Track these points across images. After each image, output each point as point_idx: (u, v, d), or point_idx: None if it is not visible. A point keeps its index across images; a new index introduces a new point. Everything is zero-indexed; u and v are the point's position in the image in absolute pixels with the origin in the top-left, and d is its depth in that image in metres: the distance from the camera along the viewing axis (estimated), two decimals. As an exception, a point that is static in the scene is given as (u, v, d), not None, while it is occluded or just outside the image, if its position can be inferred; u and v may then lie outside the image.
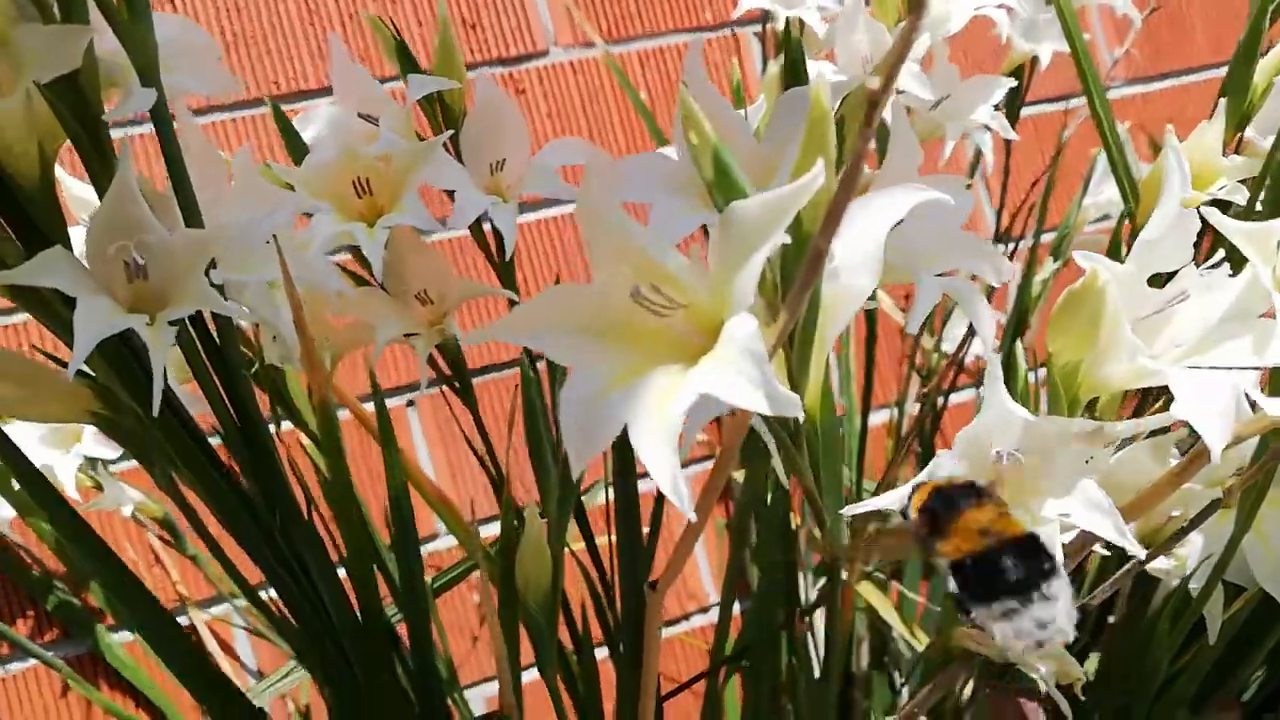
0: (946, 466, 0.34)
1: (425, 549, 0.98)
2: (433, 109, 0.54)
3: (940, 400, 0.79)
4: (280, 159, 0.54)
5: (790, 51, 0.43)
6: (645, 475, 0.32)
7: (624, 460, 0.55)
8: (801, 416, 0.30)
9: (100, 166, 0.38)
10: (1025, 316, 0.72)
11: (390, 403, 1.00)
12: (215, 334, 0.43)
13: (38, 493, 0.42)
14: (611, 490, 0.56)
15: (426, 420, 1.03)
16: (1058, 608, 0.28)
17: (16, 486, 0.64)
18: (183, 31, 0.41)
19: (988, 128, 0.69)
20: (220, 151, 0.46)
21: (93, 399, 0.43)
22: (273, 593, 0.50)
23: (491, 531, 0.99)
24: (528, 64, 1.07)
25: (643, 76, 1.10)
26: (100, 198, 0.38)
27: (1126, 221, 0.56)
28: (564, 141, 0.55)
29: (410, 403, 1.03)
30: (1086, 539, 0.35)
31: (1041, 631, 0.28)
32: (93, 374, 0.43)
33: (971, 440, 0.34)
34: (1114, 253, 0.54)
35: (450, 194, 0.53)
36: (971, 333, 0.69)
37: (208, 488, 0.46)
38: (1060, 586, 0.29)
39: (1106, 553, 0.42)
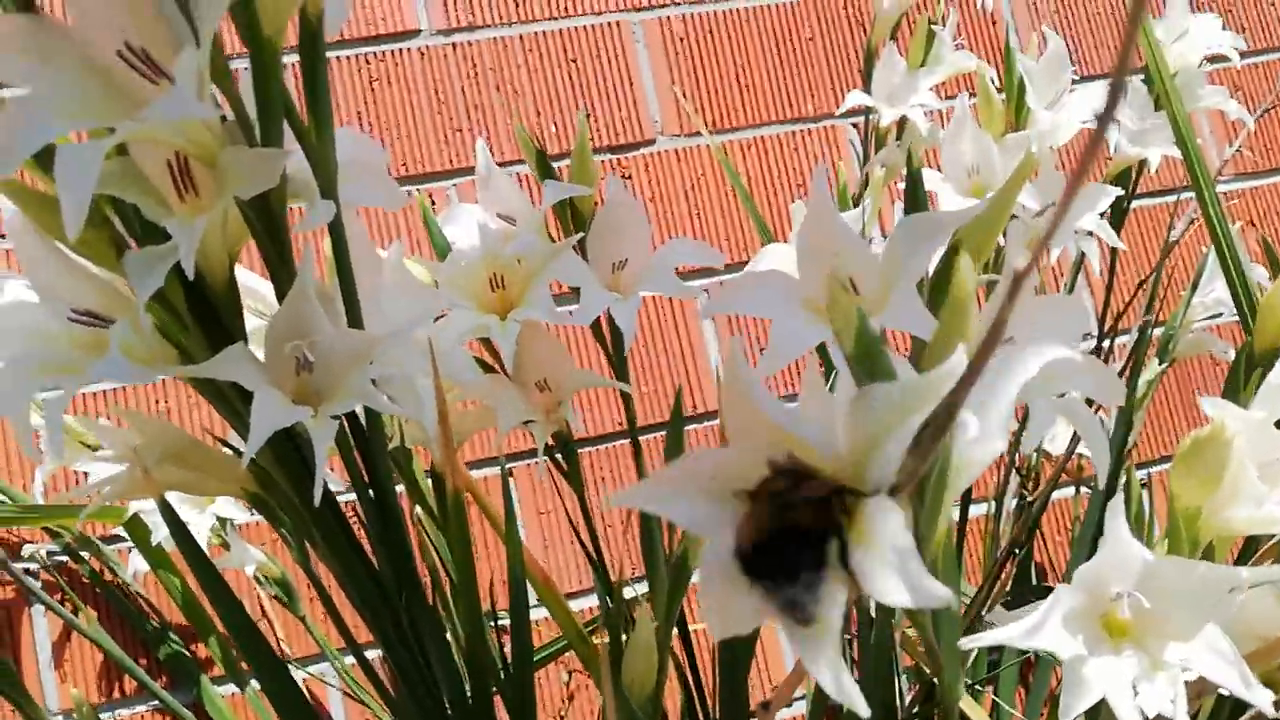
0: (1066, 602, 0.34)
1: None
2: (564, 208, 0.57)
3: (1039, 499, 0.79)
4: (405, 228, 0.58)
5: (911, 172, 0.46)
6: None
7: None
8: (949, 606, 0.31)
9: (282, 270, 0.41)
10: (1130, 418, 0.72)
11: (485, 472, 1.03)
12: (363, 419, 0.47)
13: (187, 550, 0.45)
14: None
15: (523, 489, 1.06)
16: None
17: (154, 543, 0.69)
18: (358, 147, 0.45)
19: (1091, 234, 0.70)
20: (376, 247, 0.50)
21: (251, 479, 0.47)
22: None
23: (581, 605, 1.01)
24: (635, 151, 1.12)
25: (743, 164, 1.14)
26: (279, 298, 0.42)
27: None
28: (681, 242, 0.58)
29: (504, 473, 1.06)
30: (1208, 684, 0.35)
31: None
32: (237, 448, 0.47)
33: (1090, 577, 0.35)
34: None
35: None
36: (1076, 438, 0.70)
37: (344, 563, 0.49)
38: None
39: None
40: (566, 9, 1.14)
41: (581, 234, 0.56)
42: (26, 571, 0.97)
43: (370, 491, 0.48)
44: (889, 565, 0.25)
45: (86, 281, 0.39)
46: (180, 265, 0.37)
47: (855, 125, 1.16)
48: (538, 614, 1.03)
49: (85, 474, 0.86)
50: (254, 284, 0.53)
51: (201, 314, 0.41)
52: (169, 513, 0.41)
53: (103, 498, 0.45)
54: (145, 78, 0.37)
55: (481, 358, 0.61)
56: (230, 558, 0.73)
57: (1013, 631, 0.37)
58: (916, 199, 0.45)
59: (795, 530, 0.28)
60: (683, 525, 0.29)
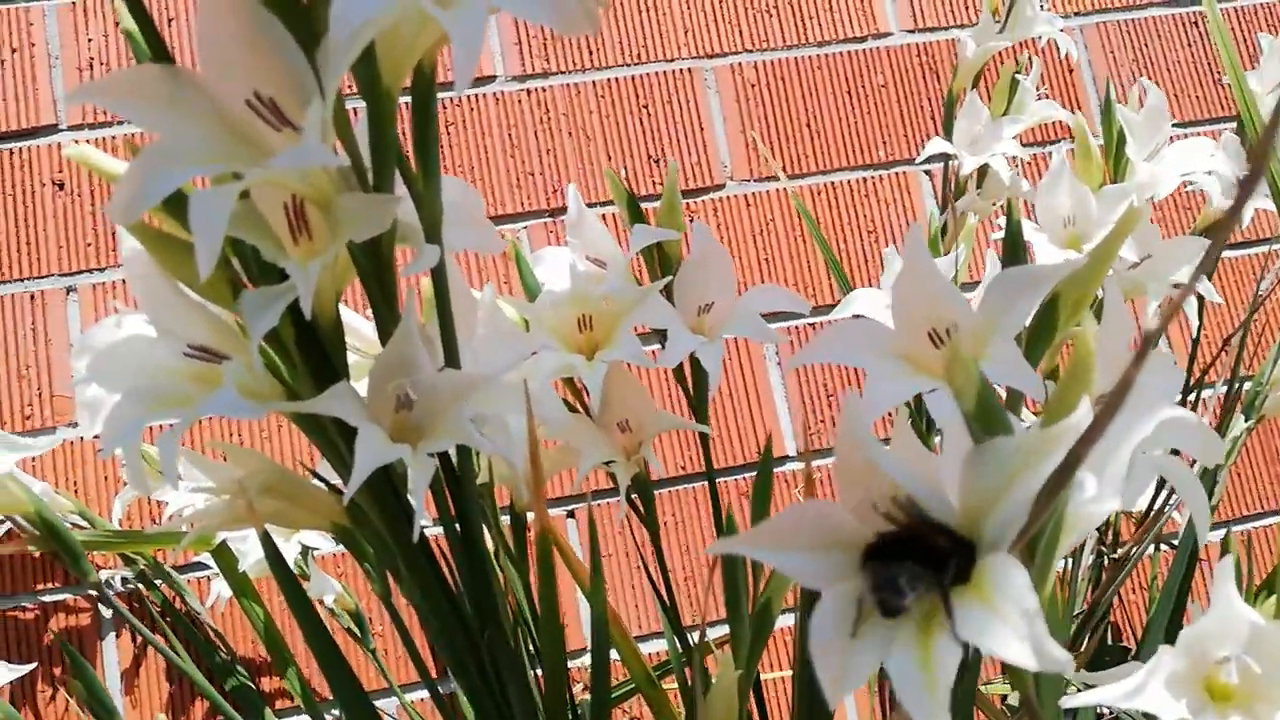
0: (1169, 665, 0.34)
1: (574, 663, 1.00)
2: (650, 252, 0.58)
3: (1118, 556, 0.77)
4: (493, 269, 0.59)
5: (1011, 225, 0.46)
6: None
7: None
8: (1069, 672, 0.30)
9: (386, 311, 0.42)
10: (1215, 475, 0.70)
11: (550, 513, 1.04)
12: (454, 457, 0.47)
13: (283, 579, 0.46)
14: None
15: (583, 530, 1.06)
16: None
17: (239, 571, 0.70)
18: (458, 192, 0.46)
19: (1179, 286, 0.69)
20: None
21: (343, 513, 0.48)
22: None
23: (650, 648, 1.01)
24: (705, 196, 1.13)
25: (814, 209, 1.14)
26: (382, 338, 0.43)
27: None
28: (767, 289, 0.58)
29: (570, 514, 1.06)
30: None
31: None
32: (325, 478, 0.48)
33: (1195, 640, 0.34)
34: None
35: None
36: (1162, 490, 0.68)
37: (430, 599, 0.50)
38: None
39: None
40: (639, 56, 1.16)
41: (669, 278, 0.57)
42: (98, 598, 0.99)
43: (458, 528, 0.48)
44: (1011, 625, 0.25)
45: (203, 318, 0.40)
46: (293, 304, 0.39)
47: (928, 172, 1.15)
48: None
49: (163, 502, 0.88)
50: (355, 322, 0.54)
51: (309, 351, 0.42)
52: (269, 544, 0.42)
53: (201, 528, 0.46)
54: (269, 125, 0.38)
55: (565, 398, 0.62)
56: (310, 587, 0.74)
57: (1114, 692, 0.36)
58: (1015, 251, 0.44)
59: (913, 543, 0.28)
60: (796, 577, 0.29)
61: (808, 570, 0.29)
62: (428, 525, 0.53)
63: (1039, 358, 0.43)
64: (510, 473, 0.54)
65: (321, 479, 0.52)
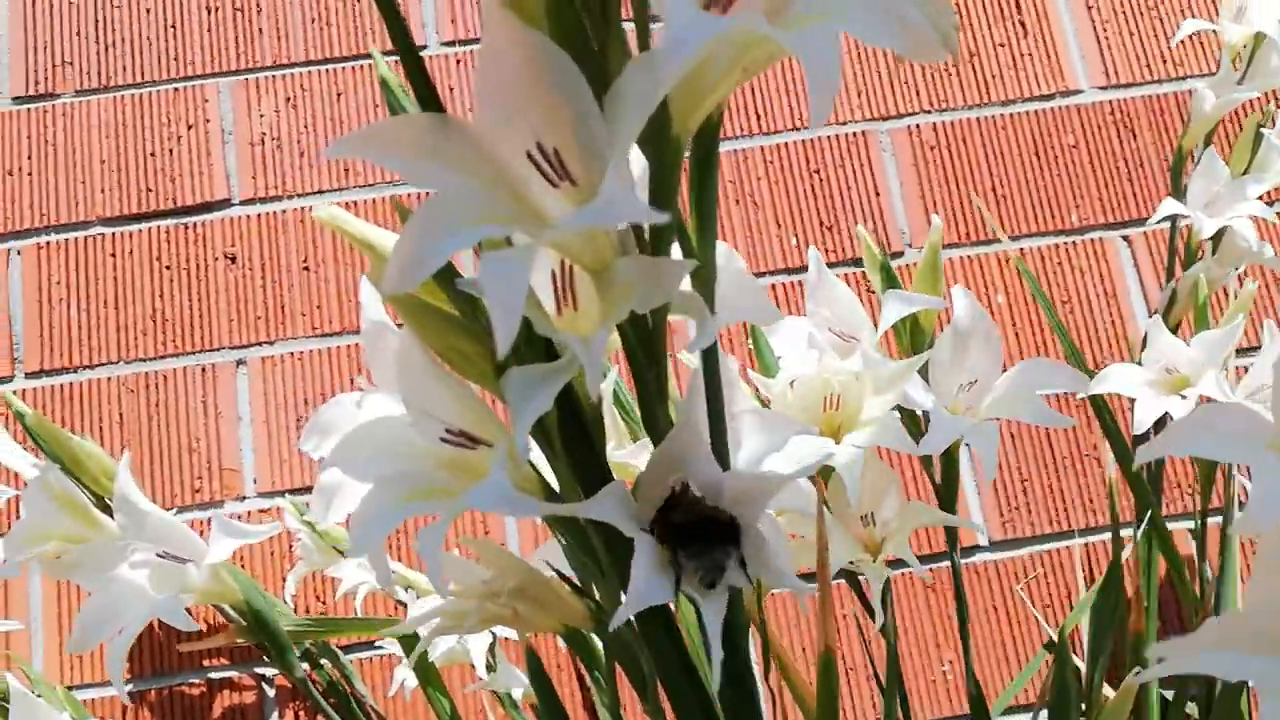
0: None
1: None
2: (903, 325, 0.52)
3: None
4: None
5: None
6: None
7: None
8: None
9: (657, 392, 0.37)
10: None
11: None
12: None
13: (541, 690, 0.41)
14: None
15: (781, 620, 0.99)
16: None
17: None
18: (725, 257, 0.41)
19: None
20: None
21: (587, 618, 0.42)
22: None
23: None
24: (882, 263, 1.06)
25: (1002, 279, 1.07)
26: (647, 424, 0.38)
27: None
28: (1038, 364, 0.51)
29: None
30: None
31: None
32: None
33: None
34: None
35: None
36: None
37: (682, 707, 0.44)
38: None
39: None
40: (810, 120, 1.11)
41: (928, 352, 0.50)
42: (263, 679, 0.96)
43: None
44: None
45: (464, 399, 0.36)
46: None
47: (1126, 238, 1.07)
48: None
49: (337, 579, 0.84)
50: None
51: (573, 439, 0.37)
52: (534, 660, 0.36)
53: (438, 630, 0.41)
54: (548, 179, 0.34)
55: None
56: (496, 679, 0.68)
57: None
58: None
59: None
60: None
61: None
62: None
63: None
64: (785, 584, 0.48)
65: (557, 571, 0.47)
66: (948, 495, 0.55)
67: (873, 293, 0.67)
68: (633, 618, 0.41)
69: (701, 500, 0.36)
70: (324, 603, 0.99)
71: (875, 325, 0.51)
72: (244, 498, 0.99)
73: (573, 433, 0.37)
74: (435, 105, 0.34)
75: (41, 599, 0.97)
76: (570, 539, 0.41)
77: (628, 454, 0.47)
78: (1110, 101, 1.10)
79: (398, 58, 0.34)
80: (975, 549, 1.00)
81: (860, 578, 0.55)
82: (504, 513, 0.33)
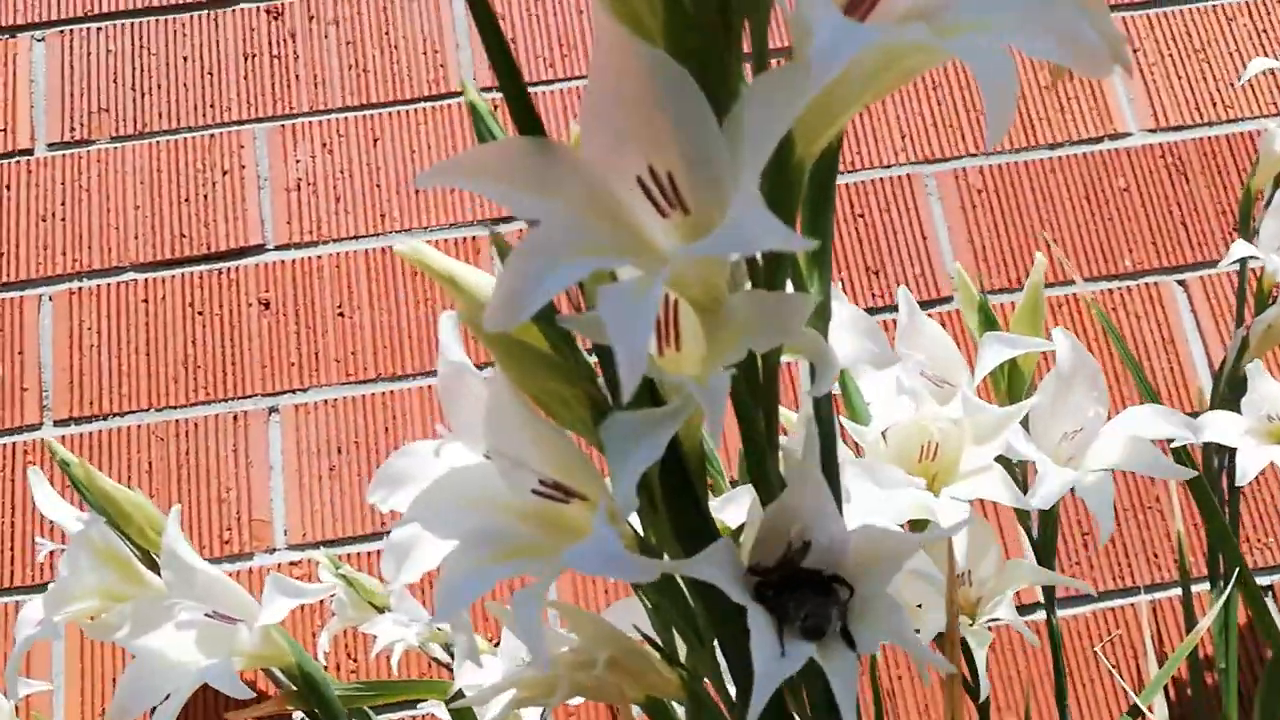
0: None
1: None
2: (1001, 369, 0.49)
3: None
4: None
5: None
6: None
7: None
8: None
9: (767, 440, 0.34)
10: None
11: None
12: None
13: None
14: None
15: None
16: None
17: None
18: (839, 305, 0.38)
19: None
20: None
21: (679, 688, 0.39)
22: None
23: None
24: (931, 309, 1.04)
25: (1057, 324, 1.03)
26: (754, 473, 0.35)
27: None
28: (1149, 410, 0.48)
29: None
30: None
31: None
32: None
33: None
34: None
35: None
36: None
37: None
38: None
39: None
40: (853, 163, 1.09)
41: (1033, 399, 0.47)
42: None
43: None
44: None
45: (560, 446, 0.33)
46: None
47: (1182, 282, 1.04)
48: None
49: (372, 635, 0.81)
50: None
51: (676, 492, 0.34)
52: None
53: (513, 703, 0.38)
54: (657, 208, 0.31)
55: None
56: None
57: None
58: None
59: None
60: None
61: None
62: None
63: None
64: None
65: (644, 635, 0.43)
66: (1046, 551, 0.51)
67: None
68: (725, 674, 0.37)
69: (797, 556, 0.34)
70: (355, 660, 0.95)
71: (972, 369, 0.48)
72: (274, 550, 0.96)
73: (675, 484, 0.34)
74: (532, 125, 0.32)
75: (64, 654, 0.93)
76: (664, 601, 0.37)
77: (714, 507, 0.44)
78: (1160, 145, 1.08)
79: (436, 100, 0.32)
80: (1035, 606, 0.95)
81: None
82: (611, 575, 0.30)
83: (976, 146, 1.09)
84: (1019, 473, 0.52)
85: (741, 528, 0.40)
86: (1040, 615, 0.94)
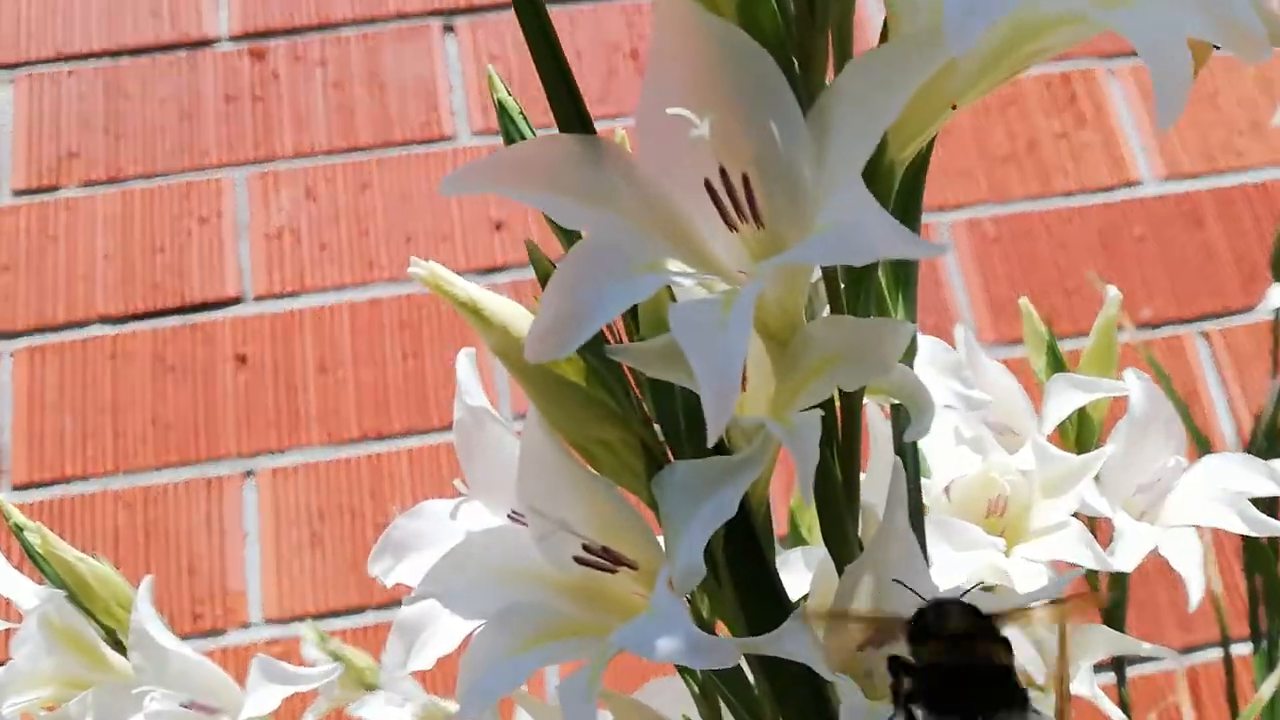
0: None
1: None
2: (1070, 417, 0.44)
3: None
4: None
5: None
6: None
7: None
8: None
9: (846, 492, 0.29)
10: None
11: None
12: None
13: None
14: None
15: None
16: None
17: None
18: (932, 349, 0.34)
19: None
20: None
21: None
22: None
23: None
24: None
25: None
26: (827, 532, 0.30)
27: None
28: (1232, 459, 0.43)
29: None
30: None
31: None
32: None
33: None
34: None
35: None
36: None
37: None
38: None
39: None
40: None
41: (1107, 448, 0.42)
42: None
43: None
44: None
45: (611, 505, 0.27)
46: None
47: (1204, 334, 1.00)
48: None
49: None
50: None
51: (741, 556, 0.29)
52: None
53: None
54: (725, 219, 0.26)
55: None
56: None
57: None
58: None
59: None
60: None
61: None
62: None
63: None
64: None
65: None
66: (1116, 614, 0.46)
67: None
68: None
69: None
70: (337, 745, 0.87)
71: (1039, 415, 0.44)
72: (248, 625, 0.89)
73: (741, 547, 0.29)
74: (578, 122, 0.27)
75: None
76: (719, 683, 0.32)
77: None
78: (1175, 194, 1.05)
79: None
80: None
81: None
82: (680, 660, 0.25)
83: (991, 193, 1.05)
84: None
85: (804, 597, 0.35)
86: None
